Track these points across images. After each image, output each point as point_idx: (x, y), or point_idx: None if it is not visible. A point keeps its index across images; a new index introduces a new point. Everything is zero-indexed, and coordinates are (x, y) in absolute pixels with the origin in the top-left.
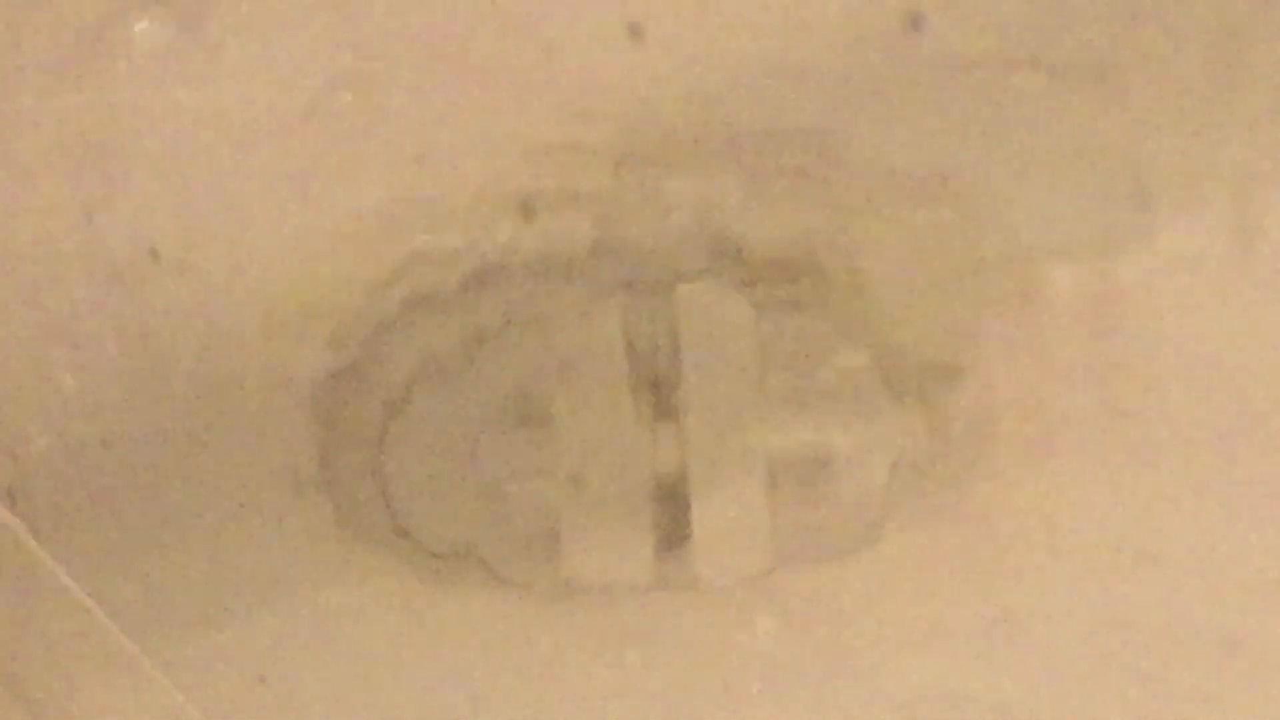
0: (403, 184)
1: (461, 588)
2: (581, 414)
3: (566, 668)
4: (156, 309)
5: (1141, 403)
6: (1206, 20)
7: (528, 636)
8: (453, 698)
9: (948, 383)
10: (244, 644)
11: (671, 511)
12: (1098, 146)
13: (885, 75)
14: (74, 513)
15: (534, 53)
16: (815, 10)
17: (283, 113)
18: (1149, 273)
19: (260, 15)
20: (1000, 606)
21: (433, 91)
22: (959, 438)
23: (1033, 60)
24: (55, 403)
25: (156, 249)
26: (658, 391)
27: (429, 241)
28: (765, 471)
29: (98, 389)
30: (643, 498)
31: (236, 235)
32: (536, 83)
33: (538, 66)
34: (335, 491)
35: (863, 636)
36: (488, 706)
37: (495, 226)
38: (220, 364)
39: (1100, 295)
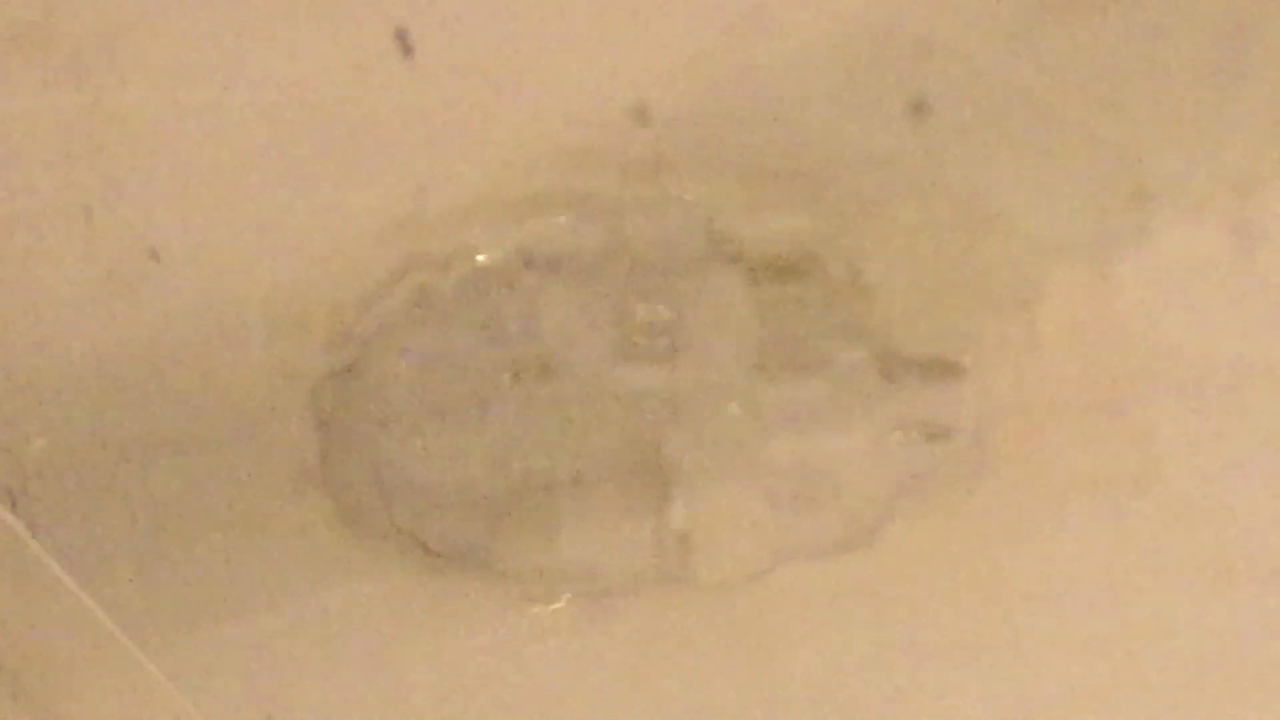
0: (403, 185)
1: (461, 587)
2: (581, 413)
3: (567, 667)
4: (156, 309)
5: (1141, 403)
6: (1206, 21)
7: (528, 636)
8: (453, 697)
9: (948, 383)
10: (244, 643)
11: (671, 510)
12: (1098, 146)
13: (886, 81)
14: (74, 513)
15: (538, 59)
16: (818, 22)
17: (283, 114)
18: (1148, 273)
19: (262, 16)
20: (999, 606)
21: (435, 94)
22: (959, 438)
23: (1032, 61)
24: (55, 403)
25: (156, 249)
26: (658, 391)
27: (429, 242)
28: (765, 470)
29: (98, 389)
30: (642, 497)
31: (236, 235)
32: (540, 88)
33: (542, 73)
34: (335, 491)
35: (863, 636)
36: (488, 706)
37: (496, 227)
38: (220, 364)
39: (1100, 296)
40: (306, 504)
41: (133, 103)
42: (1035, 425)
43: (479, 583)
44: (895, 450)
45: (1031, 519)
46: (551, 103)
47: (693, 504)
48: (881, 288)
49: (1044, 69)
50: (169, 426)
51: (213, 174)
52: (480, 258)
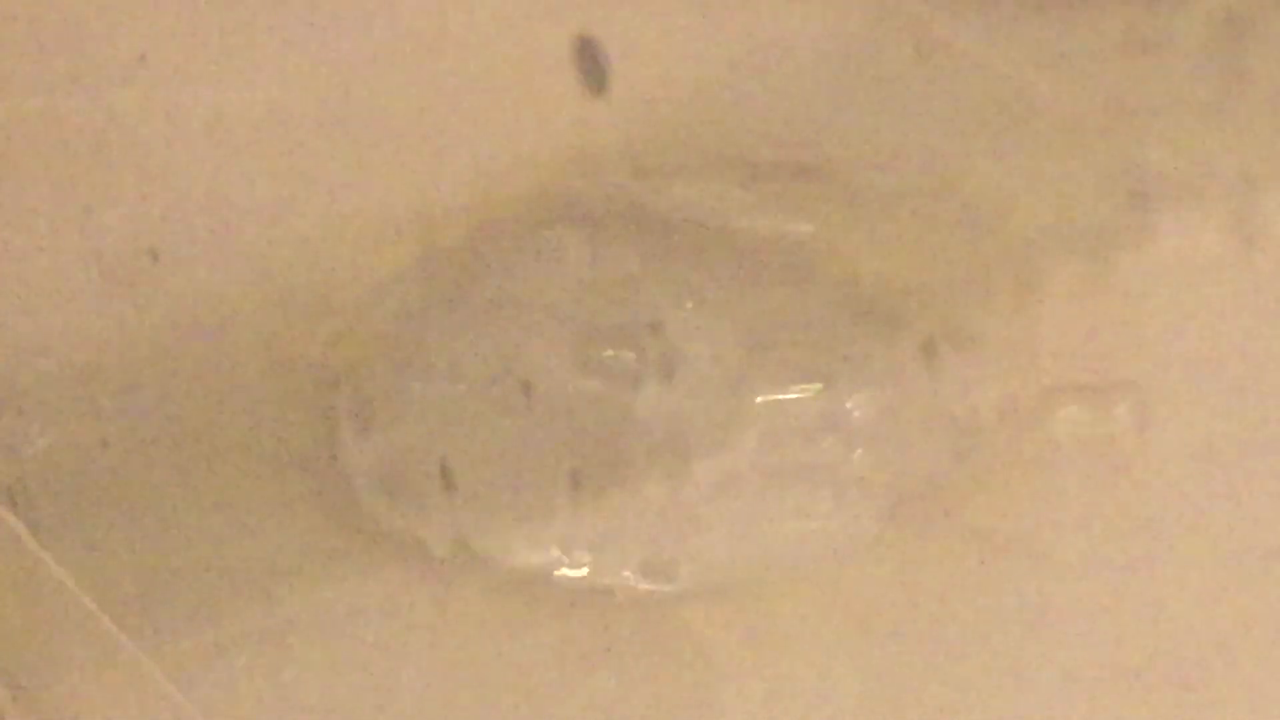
0: (403, 184)
1: (461, 587)
2: (581, 414)
3: (566, 667)
4: (156, 309)
5: (1140, 403)
6: (1206, 21)
7: (528, 636)
8: (453, 697)
9: (947, 383)
10: (244, 642)
11: (670, 510)
12: (1098, 146)
13: (886, 78)
14: (74, 513)
15: (536, 58)
16: (819, 19)
17: (284, 113)
18: (1149, 273)
19: (263, 15)
20: (999, 607)
21: (434, 94)
22: (958, 438)
23: (1032, 61)
24: (55, 403)
25: (156, 249)
26: (656, 389)
27: (429, 241)
28: (763, 472)
29: (98, 389)
30: (641, 497)
31: (236, 235)
32: (536, 86)
33: (539, 71)
34: (335, 490)
35: (862, 637)
36: (488, 706)
37: (495, 226)
38: (220, 364)
39: (1100, 296)
40: (307, 503)
41: (133, 103)
42: (1034, 424)
43: (479, 583)
44: (894, 451)
45: (1030, 520)
46: (552, 103)
47: (691, 504)
48: (881, 288)
49: (1044, 69)
50: (169, 427)
51: (213, 174)
52: (480, 257)
